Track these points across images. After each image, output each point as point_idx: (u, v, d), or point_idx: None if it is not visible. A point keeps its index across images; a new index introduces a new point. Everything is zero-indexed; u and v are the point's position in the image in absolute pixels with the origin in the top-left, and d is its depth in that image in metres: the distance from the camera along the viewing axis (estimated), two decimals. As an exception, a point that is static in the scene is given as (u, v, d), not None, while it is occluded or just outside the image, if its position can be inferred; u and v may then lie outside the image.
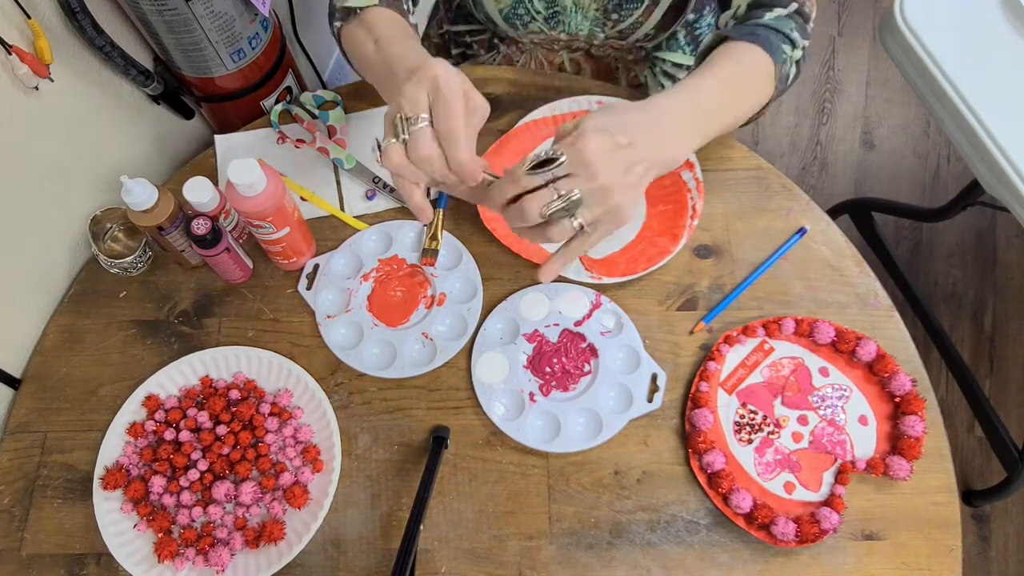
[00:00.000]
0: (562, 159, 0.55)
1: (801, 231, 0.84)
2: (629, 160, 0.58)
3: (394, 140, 0.57)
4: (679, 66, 1.00)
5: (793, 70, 0.76)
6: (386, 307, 0.83)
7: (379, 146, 0.59)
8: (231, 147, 0.91)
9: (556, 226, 0.57)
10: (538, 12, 0.87)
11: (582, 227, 0.57)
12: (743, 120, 0.74)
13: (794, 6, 0.75)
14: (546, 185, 0.56)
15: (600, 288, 0.82)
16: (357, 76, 0.80)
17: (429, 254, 0.84)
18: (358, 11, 0.73)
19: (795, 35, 0.74)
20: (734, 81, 0.71)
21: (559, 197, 0.55)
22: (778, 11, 0.75)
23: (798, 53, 0.76)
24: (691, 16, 0.96)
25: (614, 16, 0.89)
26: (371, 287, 0.84)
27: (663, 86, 1.01)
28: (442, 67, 0.58)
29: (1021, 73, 0.94)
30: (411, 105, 0.57)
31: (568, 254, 0.60)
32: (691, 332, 0.80)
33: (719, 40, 0.74)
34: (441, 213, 0.86)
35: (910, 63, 0.97)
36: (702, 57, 0.74)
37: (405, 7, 0.77)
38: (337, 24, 0.76)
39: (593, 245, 0.59)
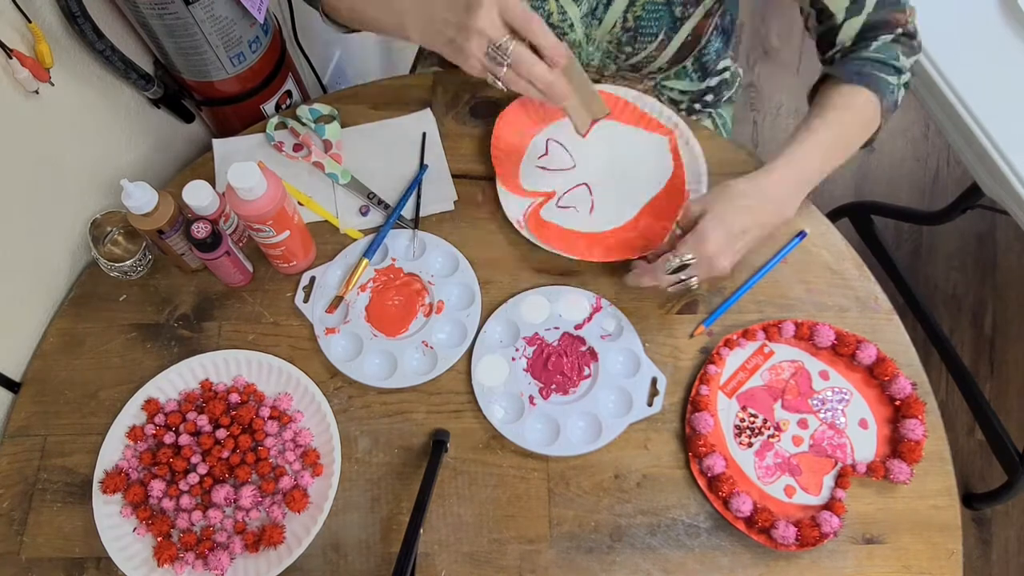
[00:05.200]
0: (692, 262, 0.70)
1: (801, 234, 0.84)
2: (742, 242, 0.72)
3: (502, 69, 0.66)
4: (685, 92, 1.01)
5: (901, 93, 0.77)
6: (384, 317, 0.82)
7: (496, 74, 0.68)
8: (229, 151, 0.91)
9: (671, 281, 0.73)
10: None
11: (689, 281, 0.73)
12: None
13: (899, 29, 0.76)
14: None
15: (601, 292, 0.82)
16: (356, 81, 0.80)
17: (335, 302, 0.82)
18: None
19: (902, 61, 0.76)
20: (841, 134, 0.76)
21: (681, 279, 0.73)
22: (884, 38, 0.76)
23: (905, 77, 0.77)
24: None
25: (627, 49, 0.89)
26: (368, 297, 0.83)
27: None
28: None
29: (1020, 75, 0.94)
30: (495, 31, 0.66)
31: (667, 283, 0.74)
32: (691, 335, 0.80)
33: (824, 76, 0.79)
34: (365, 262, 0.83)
35: (909, 66, 0.97)
36: (812, 95, 0.80)
37: None
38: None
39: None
